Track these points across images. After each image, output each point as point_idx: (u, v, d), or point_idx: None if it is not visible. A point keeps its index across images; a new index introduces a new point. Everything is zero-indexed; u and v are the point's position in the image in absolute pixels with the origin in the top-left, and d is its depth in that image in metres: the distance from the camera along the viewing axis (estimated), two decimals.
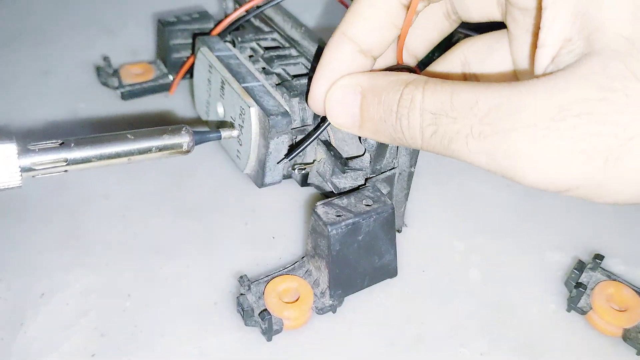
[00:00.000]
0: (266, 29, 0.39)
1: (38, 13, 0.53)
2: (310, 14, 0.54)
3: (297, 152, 0.32)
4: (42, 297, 0.30)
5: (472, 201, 0.36)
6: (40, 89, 0.44)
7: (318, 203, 0.29)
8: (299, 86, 0.33)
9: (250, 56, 0.36)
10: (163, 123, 0.40)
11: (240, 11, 0.38)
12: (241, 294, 0.29)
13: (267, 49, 0.37)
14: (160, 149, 0.27)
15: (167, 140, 0.27)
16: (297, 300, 0.29)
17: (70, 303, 0.30)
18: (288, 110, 0.32)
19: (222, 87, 0.34)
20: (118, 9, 0.54)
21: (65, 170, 0.25)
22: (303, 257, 0.31)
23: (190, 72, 0.42)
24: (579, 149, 0.20)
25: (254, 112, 0.32)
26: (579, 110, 0.20)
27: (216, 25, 0.39)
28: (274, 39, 0.38)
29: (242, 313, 0.29)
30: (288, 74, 0.34)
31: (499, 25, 0.29)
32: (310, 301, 0.29)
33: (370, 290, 0.31)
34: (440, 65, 0.31)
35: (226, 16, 0.39)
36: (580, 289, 0.29)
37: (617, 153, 0.20)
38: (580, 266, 0.31)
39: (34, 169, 0.24)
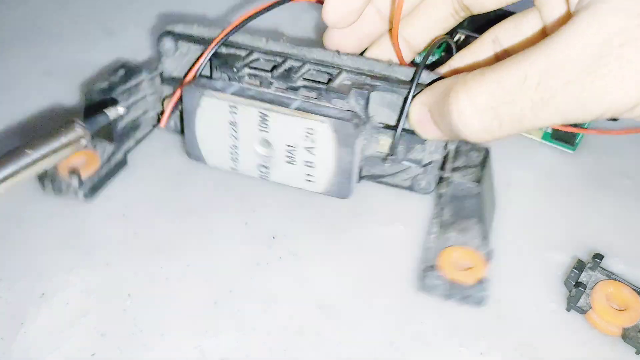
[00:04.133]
0: (242, 53, 0.35)
1: (38, 13, 0.53)
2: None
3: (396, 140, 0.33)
4: (42, 297, 0.30)
5: None
6: (41, 90, 0.44)
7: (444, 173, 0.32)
8: (340, 87, 0.32)
9: (260, 83, 0.34)
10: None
11: (216, 44, 0.34)
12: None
13: (272, 69, 0.34)
14: (64, 150, 0.28)
15: (65, 140, 0.27)
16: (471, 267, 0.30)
17: (70, 303, 0.30)
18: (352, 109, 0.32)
19: (264, 120, 0.32)
20: (119, 9, 0.54)
21: None
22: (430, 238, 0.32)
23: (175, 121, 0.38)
24: (630, 75, 0.22)
25: (327, 126, 0.31)
26: (620, 41, 0.21)
27: (188, 71, 0.35)
28: (266, 59, 0.35)
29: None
30: (314, 81, 0.33)
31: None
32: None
33: (370, 290, 0.31)
34: (472, 48, 0.33)
35: (198, 59, 0.35)
36: (580, 288, 0.30)
37: None
38: (580, 265, 0.31)
39: None
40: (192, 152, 0.35)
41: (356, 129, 0.31)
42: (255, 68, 0.34)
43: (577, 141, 0.39)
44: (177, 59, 0.36)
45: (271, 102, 0.32)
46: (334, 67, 0.33)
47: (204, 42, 0.35)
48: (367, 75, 0.33)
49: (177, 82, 0.36)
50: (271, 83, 0.33)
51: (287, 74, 0.33)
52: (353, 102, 0.32)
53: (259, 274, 0.32)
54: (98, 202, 0.35)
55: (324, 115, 0.31)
